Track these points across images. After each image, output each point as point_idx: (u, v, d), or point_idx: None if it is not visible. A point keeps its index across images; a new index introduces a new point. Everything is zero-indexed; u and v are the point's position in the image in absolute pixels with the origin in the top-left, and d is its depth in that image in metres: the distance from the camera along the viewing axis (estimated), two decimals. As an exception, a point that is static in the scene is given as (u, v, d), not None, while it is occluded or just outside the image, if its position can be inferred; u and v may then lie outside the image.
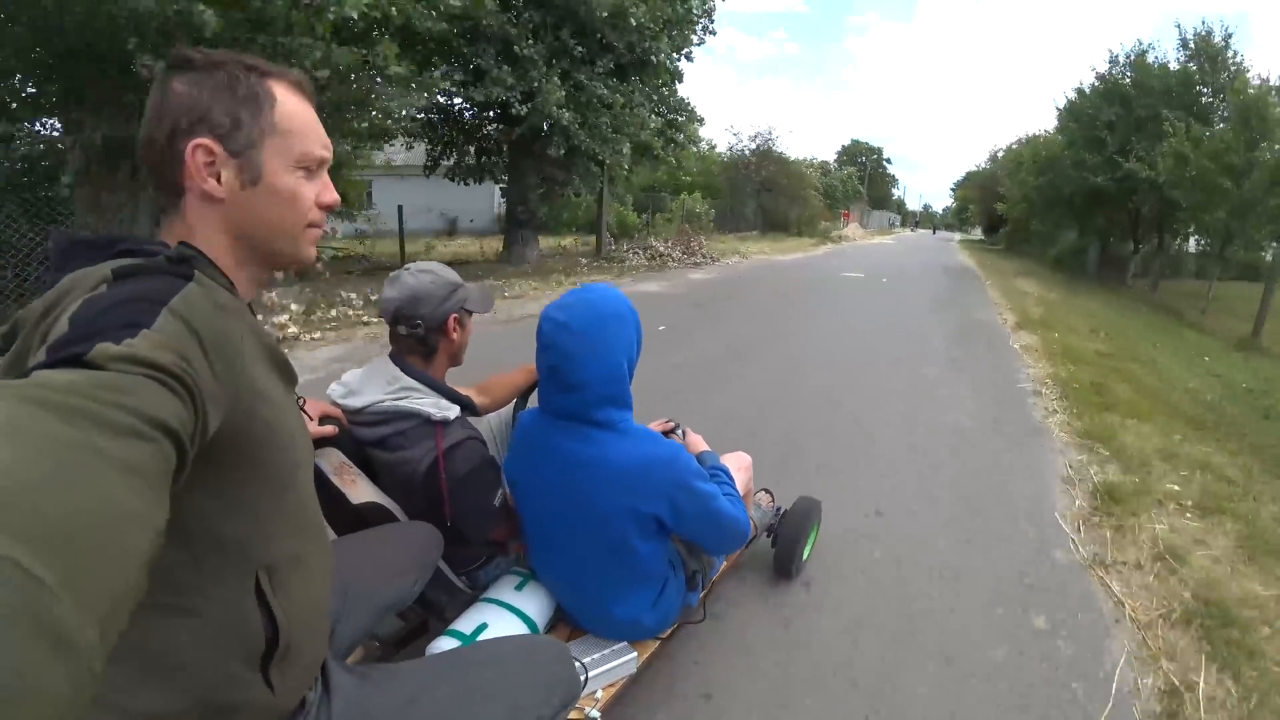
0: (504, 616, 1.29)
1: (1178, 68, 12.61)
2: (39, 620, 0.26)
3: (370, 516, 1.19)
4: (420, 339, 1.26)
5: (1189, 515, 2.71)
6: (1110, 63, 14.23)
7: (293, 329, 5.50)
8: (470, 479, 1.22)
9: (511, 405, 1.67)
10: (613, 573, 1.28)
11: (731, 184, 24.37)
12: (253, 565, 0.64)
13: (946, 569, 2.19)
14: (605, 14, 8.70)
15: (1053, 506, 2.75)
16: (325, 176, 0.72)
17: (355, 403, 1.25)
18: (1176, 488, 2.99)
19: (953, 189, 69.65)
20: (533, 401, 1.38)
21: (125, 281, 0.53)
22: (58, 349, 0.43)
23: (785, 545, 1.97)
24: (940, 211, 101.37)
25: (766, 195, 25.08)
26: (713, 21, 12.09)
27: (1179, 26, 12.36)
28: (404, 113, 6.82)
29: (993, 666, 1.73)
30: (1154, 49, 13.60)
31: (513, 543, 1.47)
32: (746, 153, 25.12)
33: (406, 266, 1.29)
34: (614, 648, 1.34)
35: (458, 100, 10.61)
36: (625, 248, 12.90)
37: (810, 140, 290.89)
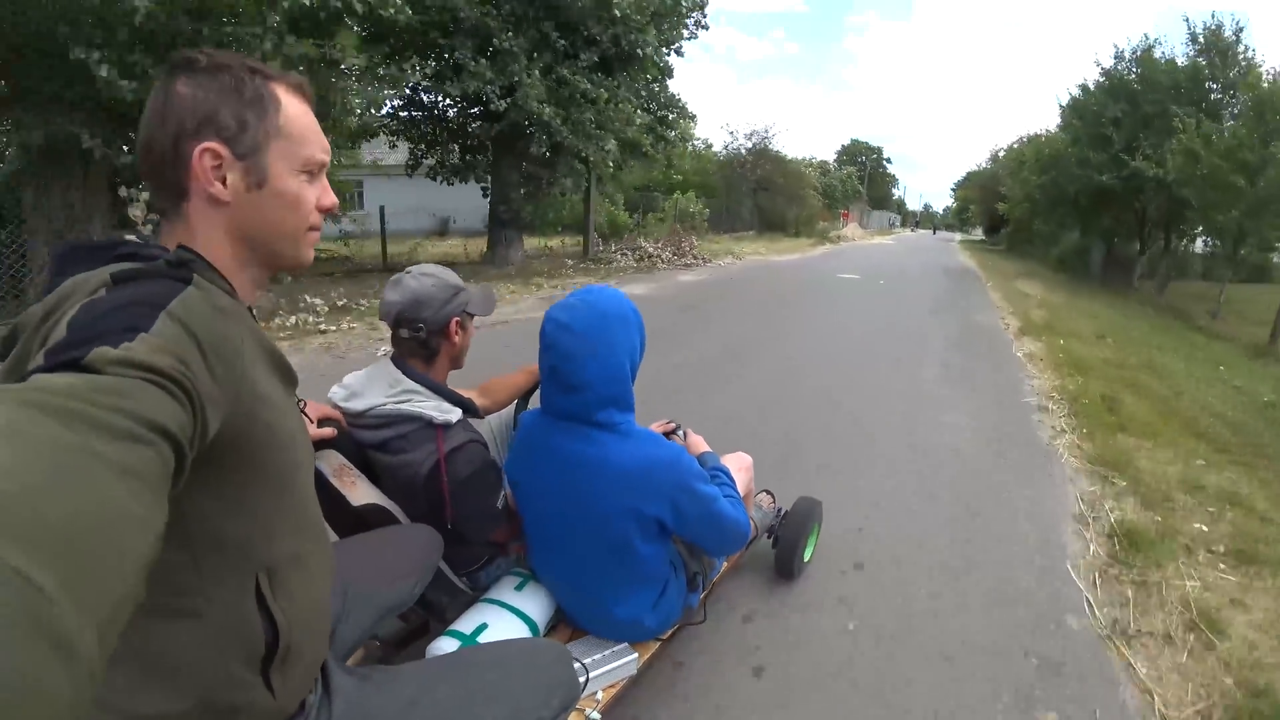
0: (504, 617, 1.28)
1: (1186, 63, 12.17)
2: (38, 624, 0.26)
3: (371, 518, 1.19)
4: (422, 342, 1.26)
5: (1222, 566, 2.32)
6: (1116, 58, 13.83)
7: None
8: (472, 482, 1.21)
9: (513, 407, 1.66)
10: (613, 573, 1.28)
11: (727, 183, 23.95)
12: (253, 567, 0.64)
13: (943, 644, 1.81)
14: (589, 3, 8.32)
15: (1063, 552, 2.36)
16: (324, 179, 0.72)
17: (357, 405, 1.25)
18: (1205, 528, 2.61)
19: (953, 189, 69.19)
20: (534, 402, 1.36)
21: (124, 286, 0.53)
22: (56, 353, 0.43)
23: (786, 546, 1.96)
24: (941, 212, 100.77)
25: (763, 195, 24.65)
26: (705, 15, 11.72)
27: (1187, 20, 11.91)
28: (368, 109, 6.43)
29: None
30: (1161, 44, 13.20)
31: (513, 544, 1.46)
32: (742, 151, 24.70)
33: (408, 269, 1.28)
34: (615, 649, 1.33)
35: (440, 97, 10.39)
36: (613, 248, 12.51)
37: (810, 140, 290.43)
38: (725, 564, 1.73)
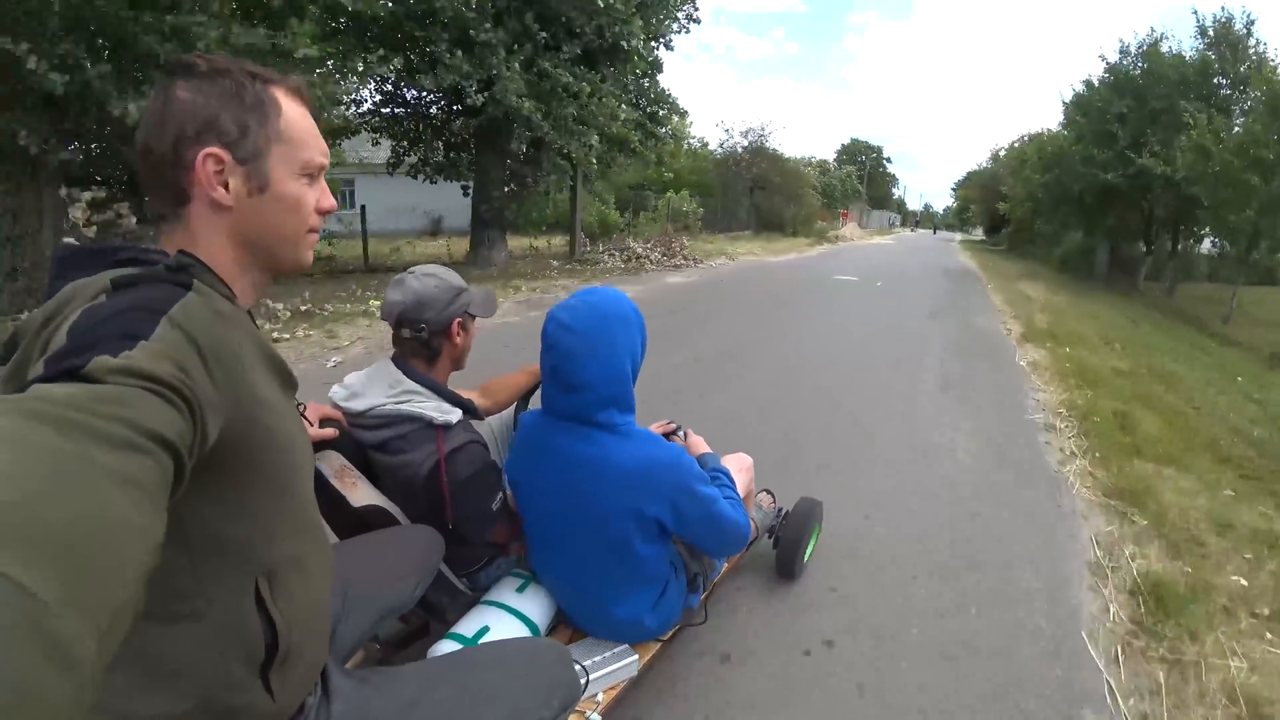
0: (505, 619, 1.28)
1: (1195, 56, 11.75)
2: (37, 633, 0.27)
3: (371, 519, 1.18)
4: (423, 342, 1.25)
5: (1270, 635, 1.94)
6: (1121, 53, 13.38)
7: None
8: (472, 482, 1.21)
9: (513, 407, 1.65)
10: (614, 574, 1.27)
11: (723, 182, 23.53)
12: (253, 570, 0.63)
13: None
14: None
15: (1078, 616, 1.98)
16: (323, 182, 0.72)
17: (357, 405, 1.24)
18: (1243, 581, 2.22)
19: (954, 188, 68.58)
20: (535, 403, 1.34)
21: (124, 291, 0.53)
22: (55, 362, 0.43)
23: (787, 546, 1.95)
24: (941, 211, 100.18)
25: (760, 194, 24.23)
26: (696, 9, 11.34)
27: (1196, 13, 11.48)
28: (327, 105, 6.04)
29: None
30: (1168, 38, 12.77)
31: (514, 544, 1.45)
32: (739, 149, 24.27)
33: (411, 270, 1.28)
34: (615, 650, 1.33)
35: (422, 93, 10.02)
36: (601, 249, 12.11)
37: (809, 139, 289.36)
38: (726, 564, 1.72)
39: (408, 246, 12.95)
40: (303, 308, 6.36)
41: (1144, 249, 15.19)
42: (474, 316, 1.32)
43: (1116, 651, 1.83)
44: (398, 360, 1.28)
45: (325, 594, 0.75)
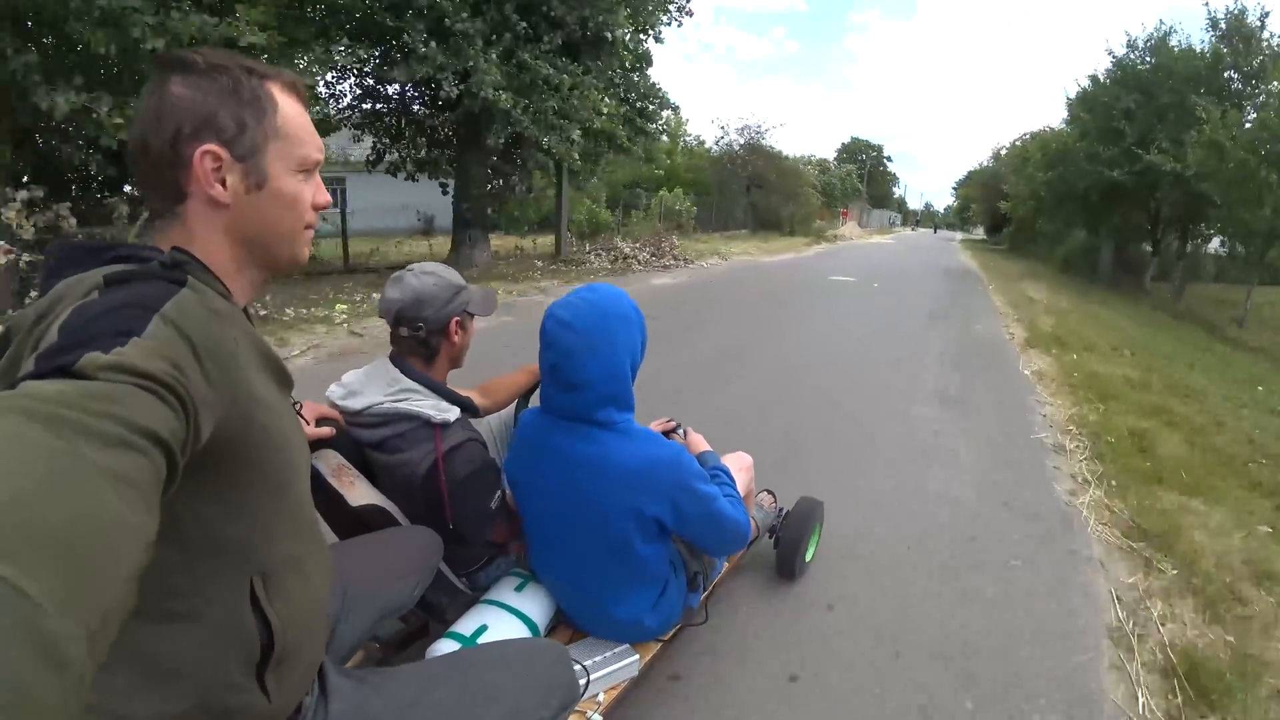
0: (505, 618, 1.26)
1: (1208, 48, 11.30)
2: (28, 633, 0.26)
3: (369, 519, 1.17)
4: (421, 341, 1.24)
5: (1344, 737, 1.56)
6: (1128, 47, 12.94)
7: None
8: (470, 481, 1.20)
9: (513, 406, 1.63)
10: (613, 573, 1.26)
11: (719, 180, 23.11)
12: (249, 569, 0.63)
13: None
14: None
15: (1099, 711, 1.60)
16: (318, 178, 0.72)
17: (355, 404, 1.23)
18: (1299, 655, 1.84)
19: (954, 187, 67.95)
20: (535, 401, 1.33)
21: (117, 288, 0.52)
22: (46, 359, 0.43)
23: (788, 546, 1.94)
24: (942, 211, 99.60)
25: (758, 192, 23.80)
26: (689, 1, 10.93)
27: (1207, 4, 11.01)
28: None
29: None
30: (1177, 31, 12.32)
31: (513, 544, 1.43)
32: (735, 147, 23.83)
33: (409, 268, 1.27)
34: (616, 650, 1.32)
35: (404, 88, 9.65)
36: (588, 249, 11.72)
37: (810, 138, 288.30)
38: (726, 564, 1.71)
39: (387, 246, 12.60)
40: (261, 312, 5.98)
41: (1150, 249, 14.74)
42: (473, 315, 1.30)
43: (1152, 763, 1.44)
44: (395, 358, 1.26)
45: (323, 594, 0.75)
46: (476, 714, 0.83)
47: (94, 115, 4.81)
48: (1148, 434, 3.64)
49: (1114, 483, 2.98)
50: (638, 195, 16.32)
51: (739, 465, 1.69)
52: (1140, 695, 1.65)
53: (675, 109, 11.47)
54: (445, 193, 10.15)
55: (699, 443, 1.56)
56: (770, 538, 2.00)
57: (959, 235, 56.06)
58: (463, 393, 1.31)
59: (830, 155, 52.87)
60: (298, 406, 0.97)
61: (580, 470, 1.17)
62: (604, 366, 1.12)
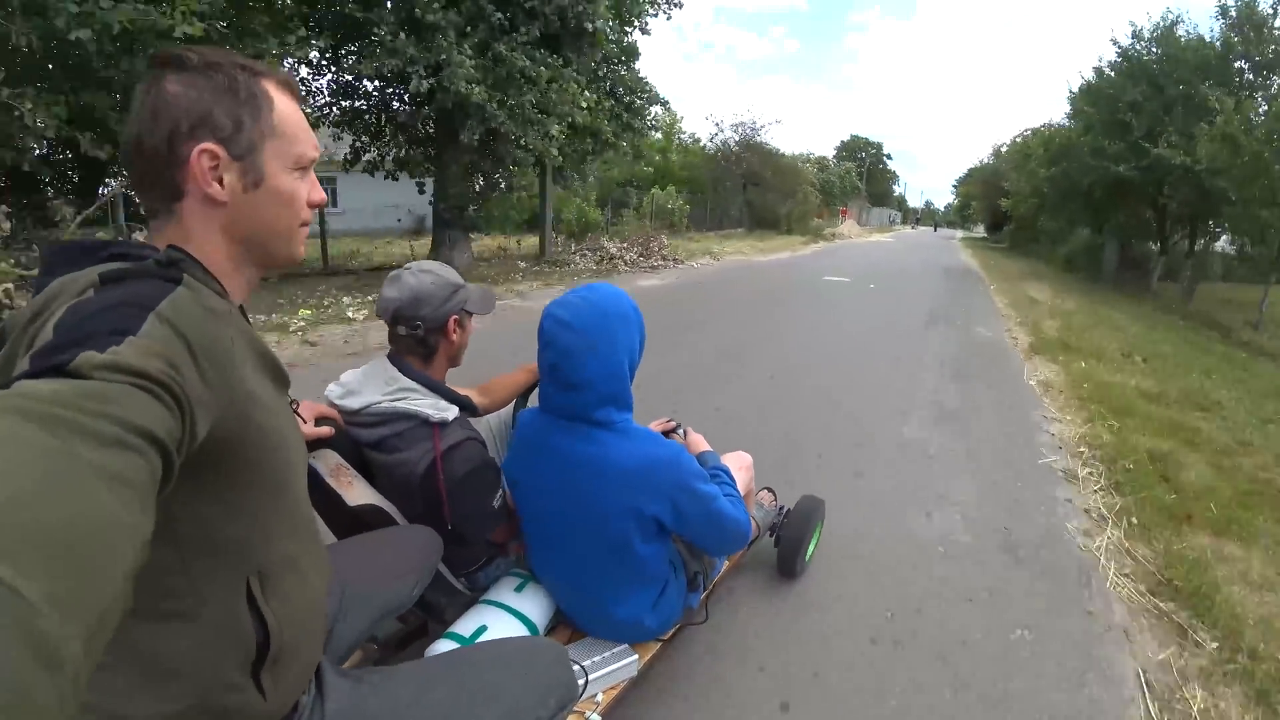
0: (503, 618, 1.26)
1: (1219, 37, 10.85)
2: (24, 633, 0.26)
3: (368, 518, 1.17)
4: (420, 340, 1.24)
5: None
6: (1134, 37, 12.48)
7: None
8: (468, 481, 1.19)
9: (512, 405, 1.62)
10: (613, 573, 1.25)
11: (714, 178, 22.67)
12: (245, 569, 0.63)
13: None
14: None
15: None
16: (313, 175, 0.71)
17: (353, 403, 1.23)
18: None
19: (955, 185, 67.32)
20: (533, 401, 1.33)
21: (112, 286, 0.52)
22: (41, 358, 0.43)
23: (788, 545, 1.93)
24: (942, 209, 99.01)
25: (754, 190, 23.37)
26: (677, -9, 10.51)
27: (1218, -8, 10.58)
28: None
29: None
30: (1184, 20, 11.86)
31: (512, 544, 1.44)
32: (730, 144, 23.38)
33: (407, 266, 1.26)
34: (615, 650, 1.31)
35: (384, 84, 9.27)
36: (573, 249, 11.32)
37: (810, 137, 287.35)
38: (727, 564, 1.69)
39: (370, 247, 12.25)
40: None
41: (1157, 247, 14.29)
42: (471, 314, 1.29)
43: None
44: (394, 357, 1.26)
45: (320, 593, 0.74)
46: (474, 714, 0.83)
47: (16, 113, 4.44)
48: (1169, 457, 3.25)
49: (1134, 520, 2.59)
50: (628, 194, 15.87)
51: (739, 464, 1.68)
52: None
53: (665, 104, 11.06)
54: (422, 192, 9.78)
55: (699, 442, 1.54)
56: (771, 536, 1.99)
57: (959, 233, 55.59)
58: (462, 391, 1.30)
59: (829, 153, 52.40)
60: (295, 405, 0.96)
61: (580, 470, 1.16)
62: (603, 366, 1.11)
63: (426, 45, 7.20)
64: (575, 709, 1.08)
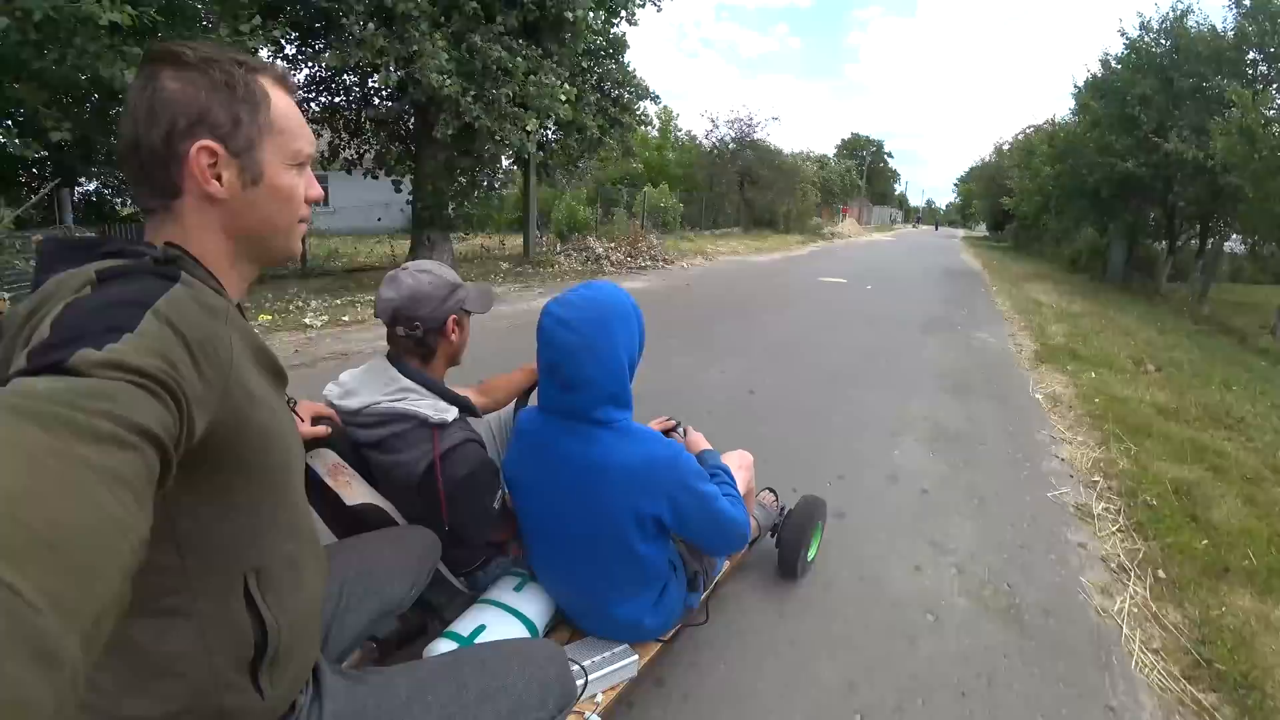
0: (503, 619, 1.26)
1: (1233, 27, 10.39)
2: (20, 633, 0.26)
3: (366, 518, 1.16)
4: (419, 340, 1.24)
5: None
6: (1142, 29, 12.04)
7: None
8: (468, 482, 1.19)
9: (512, 405, 1.62)
10: (613, 573, 1.25)
11: (710, 176, 22.24)
12: (242, 567, 0.63)
13: None
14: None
15: None
16: (310, 171, 0.71)
17: (352, 404, 1.22)
18: None
19: (956, 184, 66.62)
20: (534, 401, 1.31)
21: (110, 284, 0.52)
22: (38, 355, 0.42)
23: (789, 545, 1.91)
24: (944, 208, 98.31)
25: (752, 188, 22.94)
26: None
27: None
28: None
29: None
30: (1195, 10, 11.38)
31: (512, 544, 1.42)
32: (726, 141, 22.94)
33: (404, 266, 1.26)
34: (615, 650, 1.31)
35: (358, 79, 8.92)
36: (558, 249, 10.93)
37: (811, 135, 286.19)
38: (727, 564, 1.68)
39: (358, 247, 11.91)
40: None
41: (1165, 247, 13.82)
42: (469, 313, 1.28)
43: None
44: (393, 358, 1.25)
45: (317, 592, 0.74)
46: (473, 714, 0.82)
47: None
48: (1195, 490, 2.86)
49: (1161, 573, 2.20)
50: (619, 192, 15.46)
51: (739, 464, 1.67)
52: None
53: (655, 98, 10.65)
54: (399, 190, 9.41)
55: (699, 441, 1.53)
56: (772, 536, 1.98)
57: (960, 232, 55.06)
58: (461, 392, 1.29)
59: (830, 152, 51.86)
60: (292, 404, 0.94)
61: (579, 469, 1.15)
62: (602, 365, 1.10)
63: (398, 36, 6.83)
64: (575, 709, 1.09)
